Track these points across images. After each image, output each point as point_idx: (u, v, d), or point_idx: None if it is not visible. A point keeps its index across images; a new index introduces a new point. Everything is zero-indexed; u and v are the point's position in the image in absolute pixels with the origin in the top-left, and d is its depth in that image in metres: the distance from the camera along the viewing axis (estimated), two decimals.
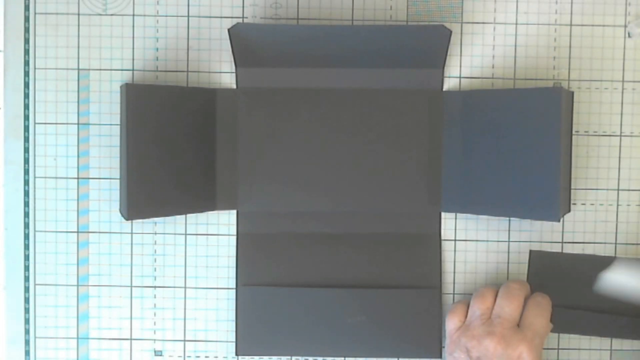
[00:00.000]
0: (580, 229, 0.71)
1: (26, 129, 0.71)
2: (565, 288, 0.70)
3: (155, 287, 0.71)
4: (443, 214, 0.71)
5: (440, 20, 0.70)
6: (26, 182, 0.71)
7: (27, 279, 0.71)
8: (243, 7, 0.70)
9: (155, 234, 0.71)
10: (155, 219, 0.71)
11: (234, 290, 0.71)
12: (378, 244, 0.70)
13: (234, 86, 0.70)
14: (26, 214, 0.71)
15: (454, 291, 0.71)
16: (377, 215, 0.70)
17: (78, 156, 0.71)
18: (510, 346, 0.62)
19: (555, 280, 0.70)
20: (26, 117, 0.71)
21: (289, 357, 0.72)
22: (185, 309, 0.71)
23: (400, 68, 0.69)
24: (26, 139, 0.71)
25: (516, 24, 0.70)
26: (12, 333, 0.71)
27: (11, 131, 0.71)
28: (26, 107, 0.70)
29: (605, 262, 0.70)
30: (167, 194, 0.67)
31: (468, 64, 0.70)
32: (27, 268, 0.71)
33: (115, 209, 0.71)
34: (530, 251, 0.70)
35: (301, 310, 0.70)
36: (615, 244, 0.71)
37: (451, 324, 0.66)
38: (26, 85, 0.70)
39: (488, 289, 0.66)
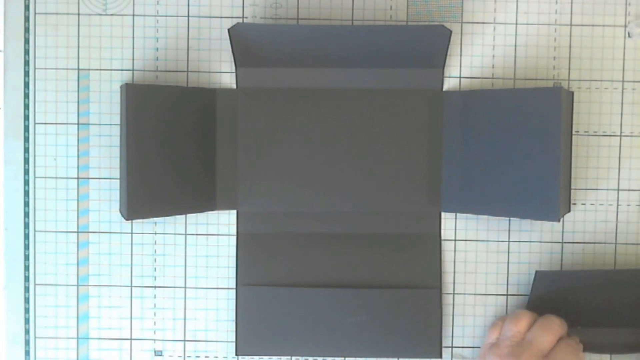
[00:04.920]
0: (580, 229, 0.71)
1: (26, 129, 0.71)
2: (569, 306, 0.68)
3: (155, 287, 0.71)
4: (443, 214, 0.71)
5: (440, 20, 0.70)
6: (26, 182, 0.71)
7: (27, 279, 0.71)
8: (243, 7, 0.70)
9: (155, 234, 0.71)
10: (155, 219, 0.71)
11: (234, 290, 0.71)
12: (378, 244, 0.70)
13: (234, 86, 0.70)
14: (26, 214, 0.71)
15: (454, 291, 0.71)
16: (377, 215, 0.70)
17: (78, 156, 0.71)
18: None
19: (559, 300, 0.68)
20: (26, 117, 0.71)
21: (289, 357, 0.72)
22: (185, 309, 0.71)
23: (400, 68, 0.69)
24: (26, 139, 0.71)
25: (516, 24, 0.70)
26: (12, 333, 0.71)
27: (11, 131, 0.71)
28: (26, 107, 0.70)
29: (606, 275, 0.69)
30: (167, 194, 0.67)
31: (468, 64, 0.70)
32: (27, 268, 0.71)
33: (115, 209, 0.71)
34: (536, 272, 0.68)
35: (301, 310, 0.70)
36: (615, 244, 0.71)
37: (488, 337, 0.66)
38: (26, 85, 0.70)
39: (525, 312, 0.65)
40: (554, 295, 0.68)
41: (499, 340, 0.65)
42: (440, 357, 0.70)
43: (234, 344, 0.71)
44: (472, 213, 0.69)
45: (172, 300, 0.71)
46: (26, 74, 0.70)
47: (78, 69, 0.71)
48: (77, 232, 0.71)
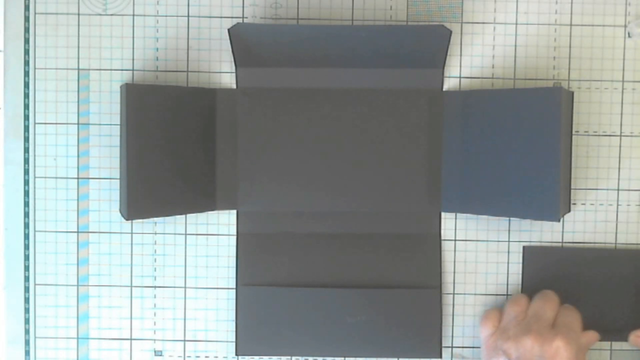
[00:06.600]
0: (580, 229, 0.71)
1: (26, 129, 0.71)
2: (561, 283, 0.69)
3: (155, 287, 0.71)
4: (443, 214, 0.71)
5: (440, 20, 0.70)
6: (26, 182, 0.71)
7: (27, 279, 0.71)
8: (243, 7, 0.70)
9: (155, 234, 0.71)
10: (155, 219, 0.71)
11: (234, 290, 0.71)
12: (378, 244, 0.70)
13: (234, 86, 0.70)
14: (26, 214, 0.71)
15: (454, 291, 0.71)
16: (377, 215, 0.70)
17: (78, 156, 0.71)
18: (546, 342, 0.62)
19: (551, 276, 0.70)
20: (26, 117, 0.71)
21: (289, 357, 0.72)
22: (185, 309, 0.71)
23: (400, 68, 0.69)
24: (26, 139, 0.71)
25: (516, 24, 0.70)
26: (12, 333, 0.71)
27: (11, 131, 0.71)
28: (26, 107, 0.70)
29: (601, 255, 0.70)
30: (167, 194, 0.67)
31: (468, 64, 0.70)
32: (27, 268, 0.71)
33: (115, 209, 0.71)
34: (524, 247, 0.70)
35: (301, 310, 0.70)
36: (615, 243, 0.71)
37: (485, 330, 0.67)
38: (26, 85, 0.70)
39: (520, 294, 0.68)
40: (547, 273, 0.69)
41: (503, 325, 0.66)
42: (440, 357, 0.70)
43: (234, 344, 0.71)
44: (472, 213, 0.69)
45: (172, 300, 0.71)
46: (26, 74, 0.70)
47: (78, 69, 0.71)
48: (77, 232, 0.71)
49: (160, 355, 0.72)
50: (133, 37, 0.70)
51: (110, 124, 0.70)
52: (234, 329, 0.71)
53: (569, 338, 0.63)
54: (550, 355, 0.62)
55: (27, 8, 0.70)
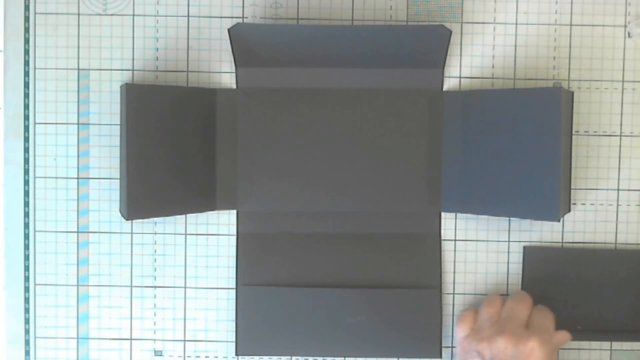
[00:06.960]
0: (580, 229, 0.71)
1: (26, 129, 0.71)
2: (561, 283, 0.70)
3: (155, 287, 0.71)
4: (443, 214, 0.71)
5: (440, 20, 0.70)
6: (26, 182, 0.71)
7: (27, 279, 0.71)
8: (243, 7, 0.70)
9: (155, 234, 0.71)
10: (155, 219, 0.71)
11: (234, 290, 0.71)
12: (378, 244, 0.70)
13: (234, 86, 0.70)
14: (26, 214, 0.71)
15: (454, 291, 0.71)
16: (377, 215, 0.70)
17: (78, 156, 0.71)
18: (520, 342, 0.62)
19: (551, 276, 0.70)
20: (26, 117, 0.71)
21: (289, 357, 0.72)
22: (185, 309, 0.71)
23: (400, 68, 0.69)
24: (26, 139, 0.71)
25: (516, 24, 0.70)
26: (12, 333, 0.71)
27: (11, 131, 0.71)
28: (26, 107, 0.70)
29: (601, 255, 0.70)
30: (167, 194, 0.67)
31: (468, 64, 0.70)
32: (27, 268, 0.71)
33: (115, 209, 0.71)
34: (524, 247, 0.70)
35: (301, 310, 0.70)
36: (615, 243, 0.71)
37: (460, 332, 0.67)
38: (26, 85, 0.70)
39: (495, 295, 0.68)
40: (547, 273, 0.69)
41: (478, 326, 0.66)
42: (440, 357, 0.70)
43: (234, 344, 0.71)
44: (472, 213, 0.69)
45: (172, 300, 0.71)
46: (26, 74, 0.70)
47: (78, 69, 0.71)
48: (77, 232, 0.71)
49: (160, 355, 0.72)
50: (133, 37, 0.70)
51: (110, 124, 0.70)
52: (234, 329, 0.71)
53: (543, 338, 0.63)
54: (524, 355, 0.62)
55: (27, 8, 0.70)
